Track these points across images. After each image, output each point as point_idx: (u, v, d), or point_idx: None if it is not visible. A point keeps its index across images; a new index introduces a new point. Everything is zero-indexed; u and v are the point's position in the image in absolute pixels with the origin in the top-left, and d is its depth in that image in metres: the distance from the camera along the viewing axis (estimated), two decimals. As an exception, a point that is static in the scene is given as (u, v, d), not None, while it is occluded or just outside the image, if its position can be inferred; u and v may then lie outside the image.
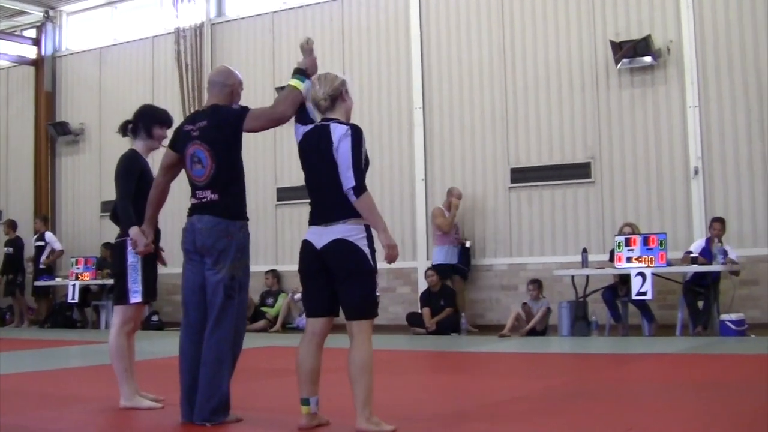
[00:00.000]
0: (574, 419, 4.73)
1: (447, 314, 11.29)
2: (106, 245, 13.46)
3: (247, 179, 4.82)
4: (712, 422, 4.61)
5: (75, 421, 5.10)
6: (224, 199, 4.64)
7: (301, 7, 14.00)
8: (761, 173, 10.60)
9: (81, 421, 5.12)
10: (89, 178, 16.02)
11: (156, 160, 5.01)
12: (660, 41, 11.13)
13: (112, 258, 5.55)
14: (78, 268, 13.74)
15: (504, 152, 12.12)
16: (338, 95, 4.44)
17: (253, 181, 4.57)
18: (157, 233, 5.19)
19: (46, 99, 16.65)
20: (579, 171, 11.57)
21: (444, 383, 6.77)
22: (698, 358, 7.90)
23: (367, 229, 4.31)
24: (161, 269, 5.48)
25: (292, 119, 4.61)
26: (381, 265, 4.33)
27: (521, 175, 11.96)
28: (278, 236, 13.68)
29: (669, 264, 9.87)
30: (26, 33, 17.39)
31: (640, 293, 9.62)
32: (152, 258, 5.25)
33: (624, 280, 10.15)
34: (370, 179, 4.33)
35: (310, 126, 4.48)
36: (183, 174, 4.93)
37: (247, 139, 4.84)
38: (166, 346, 10.18)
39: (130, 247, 5.13)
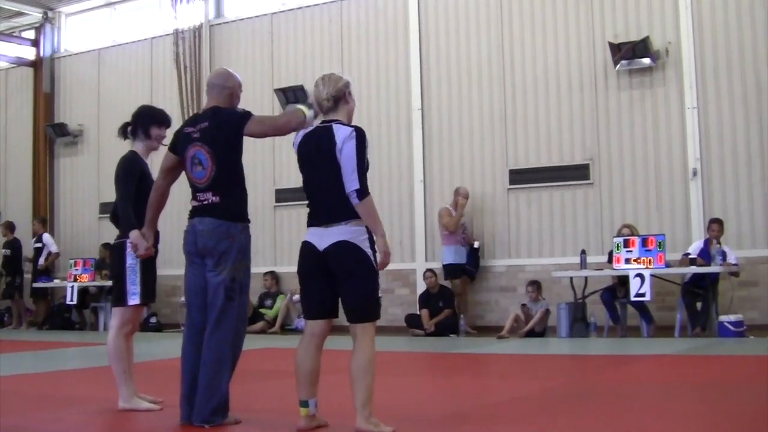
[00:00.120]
0: (573, 420, 4.73)
1: (446, 315, 11.30)
2: (105, 246, 13.45)
3: (245, 181, 4.81)
4: (710, 423, 4.62)
5: (74, 423, 5.10)
6: (226, 201, 4.65)
7: (300, 8, 14.00)
8: (760, 174, 10.61)
9: (80, 422, 5.12)
10: (88, 179, 16.01)
11: (155, 161, 5.01)
12: (659, 43, 11.14)
13: (111, 259, 5.55)
14: (76, 269, 13.72)
15: (503, 153, 12.12)
16: (342, 96, 4.43)
17: (252, 183, 4.59)
18: (156, 235, 5.19)
19: (44, 100, 16.64)
20: (578, 172, 11.57)
21: (443, 384, 6.77)
22: (697, 360, 7.90)
23: (368, 230, 4.31)
24: (160, 271, 5.48)
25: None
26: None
27: (520, 177, 11.96)
28: (277, 238, 13.67)
29: (668, 265, 9.88)
30: (25, 34, 17.38)
31: (638, 294, 9.63)
32: (151, 260, 5.25)
33: (623, 281, 10.16)
34: (368, 180, 4.33)
35: (310, 128, 4.48)
36: (182, 176, 4.93)
37: (246, 140, 4.84)
38: (164, 347, 10.18)
39: (129, 249, 5.13)
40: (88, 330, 14.16)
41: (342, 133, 4.29)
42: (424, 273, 11.79)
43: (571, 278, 10.55)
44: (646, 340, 9.79)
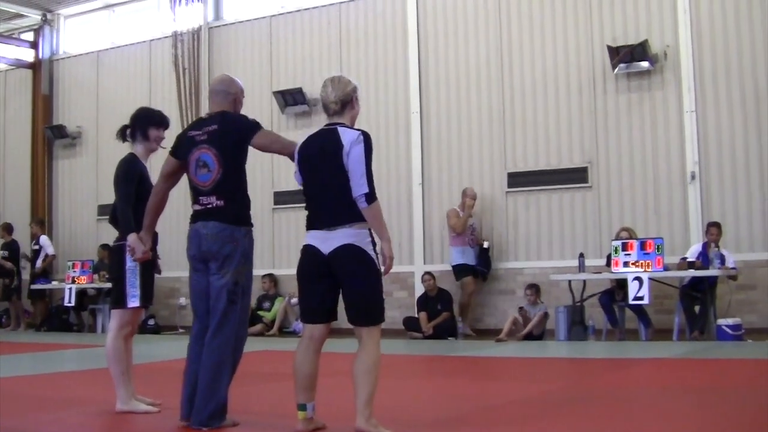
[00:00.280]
0: (571, 423, 4.73)
1: (444, 319, 11.30)
2: (104, 247, 13.44)
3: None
4: (709, 426, 4.62)
5: (72, 425, 5.10)
6: (230, 205, 4.65)
7: (299, 11, 14.01)
8: (758, 178, 10.62)
9: (78, 424, 5.12)
10: (86, 181, 16.00)
11: (154, 163, 5.01)
12: (657, 46, 11.15)
13: (111, 262, 5.55)
14: (75, 271, 13.71)
15: (501, 156, 12.12)
16: (349, 101, 4.44)
17: (250, 186, 4.60)
18: (154, 237, 5.19)
19: (43, 102, 16.63)
20: (576, 175, 11.58)
21: (441, 387, 6.77)
22: (695, 363, 7.91)
23: (371, 233, 4.31)
24: (158, 274, 5.48)
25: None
26: (379, 268, 4.34)
27: (518, 180, 11.96)
28: (275, 240, 13.67)
29: (666, 268, 9.89)
30: (24, 36, 17.36)
31: (637, 298, 9.63)
32: (149, 262, 5.25)
33: (621, 284, 10.16)
34: (367, 183, 4.32)
35: (312, 131, 4.48)
36: (181, 179, 4.93)
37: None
38: (162, 350, 10.19)
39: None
40: (86, 332, 14.14)
41: (349, 136, 4.28)
42: (423, 276, 11.79)
43: (570, 281, 10.55)
44: (645, 344, 9.79)
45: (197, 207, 4.72)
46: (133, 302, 5.21)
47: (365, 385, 4.18)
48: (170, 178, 4.90)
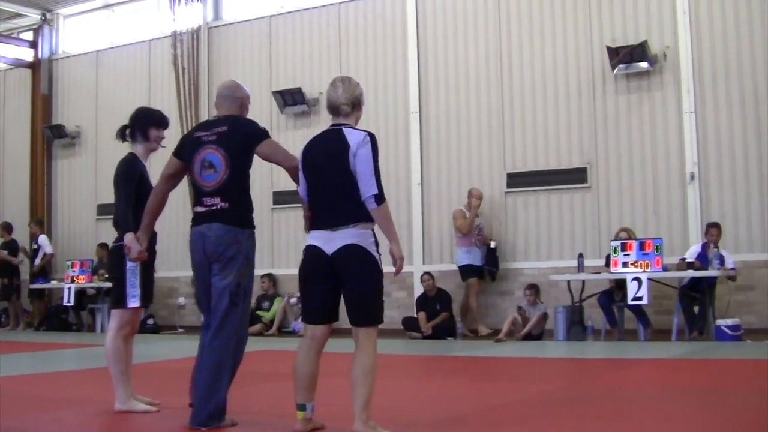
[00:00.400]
0: (570, 423, 4.74)
1: (443, 318, 11.30)
2: (102, 246, 13.44)
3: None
4: (708, 427, 4.62)
5: (71, 424, 5.10)
6: (234, 207, 4.65)
7: (298, 11, 14.00)
8: (757, 179, 10.62)
9: (77, 423, 5.13)
10: (85, 180, 16.00)
11: (154, 163, 5.01)
12: (656, 47, 11.15)
13: (111, 262, 5.55)
14: (74, 271, 13.71)
15: (500, 157, 12.12)
16: (358, 103, 4.44)
17: (250, 186, 4.63)
18: (153, 236, 5.19)
19: (42, 102, 16.62)
20: (575, 176, 11.58)
21: (440, 387, 6.76)
22: (694, 363, 7.91)
23: (374, 233, 4.31)
24: (157, 273, 5.48)
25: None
26: (379, 269, 4.33)
27: (518, 180, 11.96)
28: (274, 240, 13.65)
29: (665, 269, 9.89)
30: (23, 36, 17.36)
31: (636, 298, 9.63)
32: (150, 262, 5.25)
33: (620, 285, 10.15)
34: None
35: (311, 131, 4.48)
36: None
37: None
38: (161, 349, 10.19)
39: (127, 251, 5.13)
40: (85, 331, 14.13)
41: (356, 137, 4.27)
42: (422, 276, 11.78)
43: (569, 282, 10.55)
44: (643, 344, 9.79)
45: (200, 209, 4.71)
46: (134, 302, 5.21)
47: (363, 387, 4.17)
48: (171, 180, 4.89)
